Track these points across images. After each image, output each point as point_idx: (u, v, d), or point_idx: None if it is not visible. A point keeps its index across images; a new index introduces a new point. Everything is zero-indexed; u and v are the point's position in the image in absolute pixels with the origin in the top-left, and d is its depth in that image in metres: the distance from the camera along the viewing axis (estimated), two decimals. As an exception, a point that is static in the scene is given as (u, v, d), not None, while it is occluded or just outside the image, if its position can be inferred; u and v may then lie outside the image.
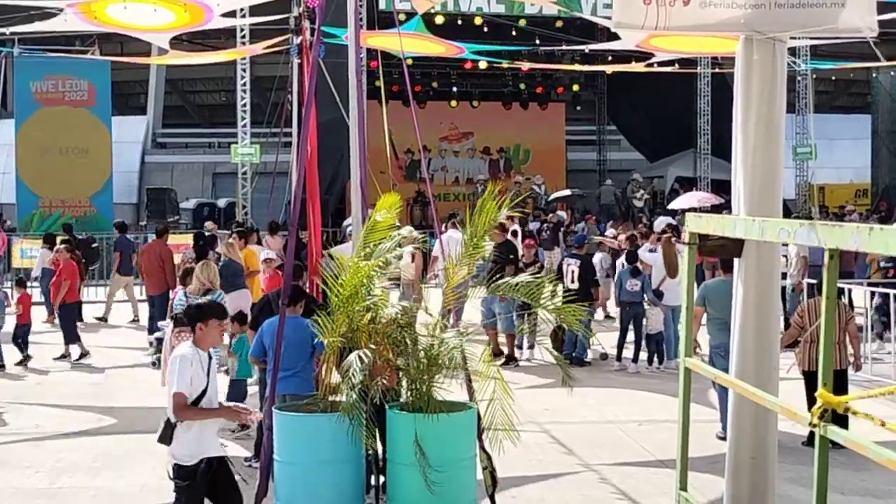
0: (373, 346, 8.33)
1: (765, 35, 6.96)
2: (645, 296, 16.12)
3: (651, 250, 17.52)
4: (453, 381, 8.76)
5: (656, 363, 16.06)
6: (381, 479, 8.87)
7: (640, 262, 16.50)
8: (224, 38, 32.48)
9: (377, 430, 8.60)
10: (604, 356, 16.84)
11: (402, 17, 23.26)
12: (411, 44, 22.52)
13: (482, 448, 8.89)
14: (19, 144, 33.08)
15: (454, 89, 40.66)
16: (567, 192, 36.97)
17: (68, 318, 17.18)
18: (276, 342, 9.25)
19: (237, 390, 11.82)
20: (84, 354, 16.95)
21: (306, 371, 9.47)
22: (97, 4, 18.79)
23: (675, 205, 32.31)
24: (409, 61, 16.44)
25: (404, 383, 8.63)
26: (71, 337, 17.04)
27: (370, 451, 8.81)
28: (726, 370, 7.25)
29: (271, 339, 9.35)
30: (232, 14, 23.69)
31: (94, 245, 23.78)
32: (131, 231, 31.81)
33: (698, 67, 35.14)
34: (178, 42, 23.55)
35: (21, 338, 16.57)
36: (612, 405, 13.57)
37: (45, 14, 20.31)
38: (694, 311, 11.78)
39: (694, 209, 26.90)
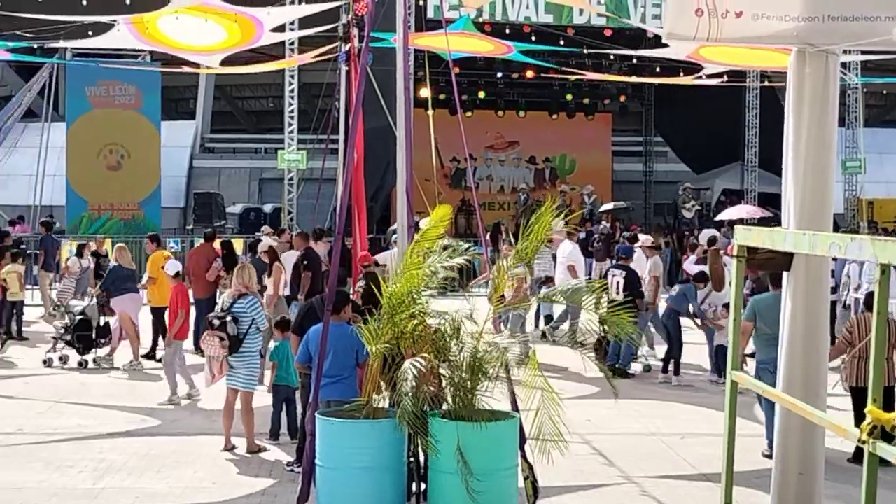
0: (425, 356, 8.33)
1: (817, 48, 6.90)
2: (691, 307, 15.92)
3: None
4: (497, 390, 8.76)
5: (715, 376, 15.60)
6: (423, 486, 8.87)
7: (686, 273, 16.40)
8: (273, 47, 32.65)
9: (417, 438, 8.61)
10: (647, 368, 16.73)
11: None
12: (459, 43, 22.52)
13: (524, 457, 8.87)
14: (69, 146, 33.43)
15: (501, 99, 40.62)
16: (623, 203, 36.79)
17: None
18: (319, 348, 9.29)
19: (279, 395, 11.83)
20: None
21: (352, 378, 9.49)
22: (149, 18, 18.94)
23: (722, 216, 32.11)
24: (457, 69, 16.42)
25: (448, 391, 8.62)
26: None
27: (412, 459, 8.82)
28: (774, 386, 7.17)
29: (317, 345, 9.37)
30: (281, 28, 23.81)
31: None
32: (178, 234, 32.16)
33: (747, 80, 34.88)
34: (229, 59, 23.73)
35: None
36: (655, 417, 13.49)
37: (100, 27, 20.54)
38: (743, 327, 11.08)
39: (741, 221, 26.71)
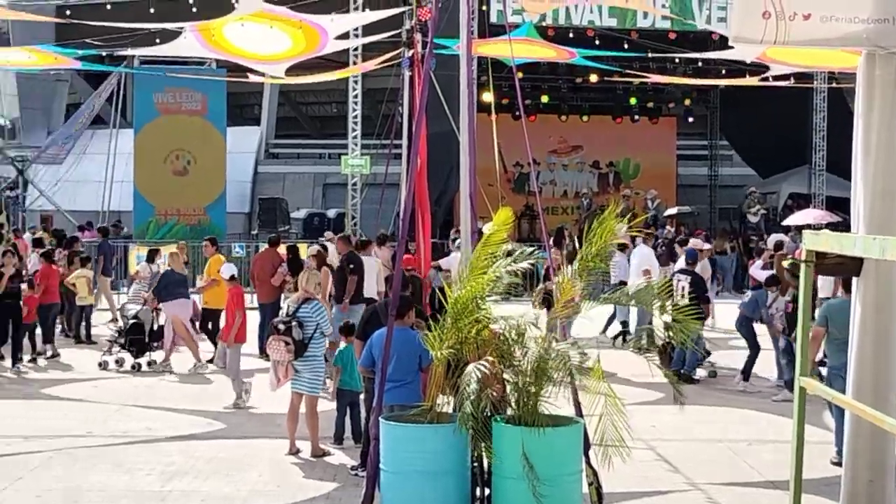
0: (489, 359, 8.32)
1: (888, 50, 6.80)
2: (763, 313, 15.63)
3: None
4: (561, 396, 8.72)
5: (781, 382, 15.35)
6: (486, 491, 8.86)
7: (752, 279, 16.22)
8: (337, 53, 32.85)
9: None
10: (713, 374, 16.58)
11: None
12: (522, 49, 22.53)
13: (588, 463, 8.83)
14: (137, 152, 33.92)
15: (564, 103, 40.49)
16: (688, 208, 36.54)
17: (45, 318, 18.27)
18: (383, 353, 9.32)
19: (343, 400, 11.89)
20: (55, 355, 18.06)
21: (415, 382, 9.51)
22: (216, 26, 19.14)
23: (789, 221, 31.74)
24: (520, 74, 16.43)
25: (512, 396, 8.60)
26: (46, 336, 18.28)
27: (475, 463, 8.82)
28: (845, 391, 7.08)
29: (381, 349, 9.41)
30: (345, 36, 23.92)
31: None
32: (243, 239, 32.46)
33: (814, 82, 34.44)
34: (294, 68, 23.90)
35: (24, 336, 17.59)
36: (721, 423, 13.38)
37: (167, 35, 20.81)
38: (815, 332, 10.55)
39: (809, 226, 26.40)
